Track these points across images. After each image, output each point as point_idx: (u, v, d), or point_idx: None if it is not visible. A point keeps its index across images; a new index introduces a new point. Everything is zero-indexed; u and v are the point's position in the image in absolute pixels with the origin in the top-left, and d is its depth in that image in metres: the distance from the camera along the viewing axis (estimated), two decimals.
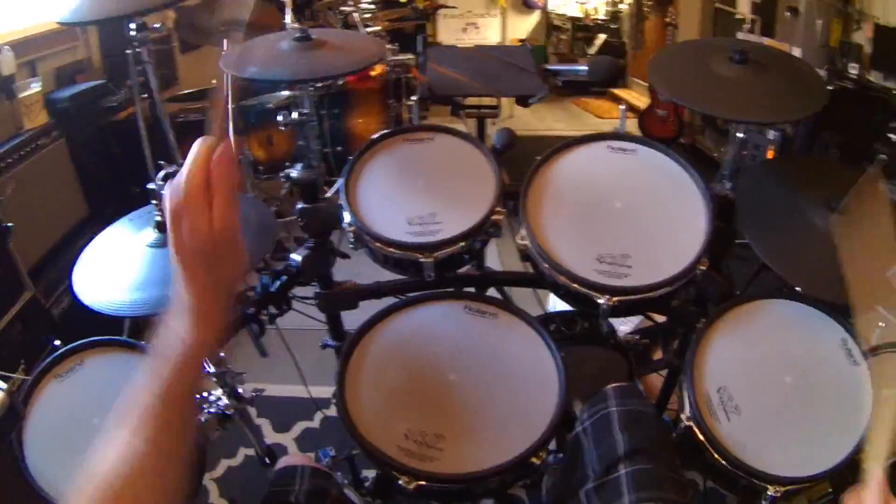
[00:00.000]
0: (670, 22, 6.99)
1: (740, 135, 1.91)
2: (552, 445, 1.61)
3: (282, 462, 1.74)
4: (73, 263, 1.59)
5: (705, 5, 6.49)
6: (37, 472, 1.39)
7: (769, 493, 1.44)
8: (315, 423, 3.35)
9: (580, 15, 9.20)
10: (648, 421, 1.53)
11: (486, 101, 2.96)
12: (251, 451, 2.88)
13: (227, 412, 1.72)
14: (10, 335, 3.06)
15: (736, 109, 1.78)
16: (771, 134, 4.59)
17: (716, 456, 1.47)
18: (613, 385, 1.62)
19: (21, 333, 3.06)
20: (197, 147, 0.98)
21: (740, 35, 5.65)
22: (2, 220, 3.19)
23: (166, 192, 0.96)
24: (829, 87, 4.20)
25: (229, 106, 1.35)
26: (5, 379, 1.53)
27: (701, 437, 1.49)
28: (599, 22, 9.09)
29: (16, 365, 1.48)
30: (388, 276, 2.07)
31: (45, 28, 4.49)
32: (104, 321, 1.53)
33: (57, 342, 1.59)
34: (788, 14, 5.16)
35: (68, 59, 4.78)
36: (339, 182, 1.95)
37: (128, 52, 2.20)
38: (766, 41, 5.26)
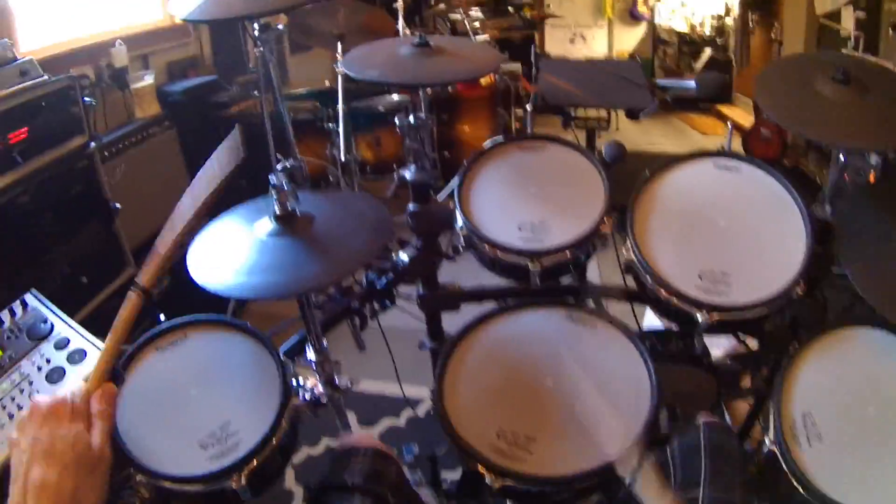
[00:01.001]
0: (775, 38, 6.88)
1: (842, 158, 1.92)
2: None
3: (346, 440, 1.74)
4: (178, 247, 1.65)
5: (810, 21, 6.37)
6: (126, 434, 1.42)
7: None
8: (401, 421, 3.38)
9: (686, 29, 9.10)
10: (734, 453, 1.55)
11: (597, 113, 2.99)
12: (333, 443, 2.93)
13: (320, 400, 1.74)
14: (109, 307, 3.21)
15: (839, 134, 1.78)
16: (873, 158, 4.50)
17: (794, 483, 1.45)
18: (706, 420, 1.64)
19: (119, 308, 3.16)
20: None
21: (844, 52, 5.53)
22: (110, 200, 3.34)
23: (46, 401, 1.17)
24: None
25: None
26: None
27: (782, 461, 1.48)
28: (705, 37, 8.98)
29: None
30: (489, 281, 2.12)
31: (157, 24, 4.68)
32: (200, 304, 1.61)
33: (161, 316, 1.65)
34: (892, 31, 5.06)
35: (180, 54, 5.01)
36: (453, 185, 2.01)
37: (257, 50, 2.28)
38: (871, 59, 5.17)
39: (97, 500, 1.09)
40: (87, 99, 3.25)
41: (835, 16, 5.85)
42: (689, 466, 1.51)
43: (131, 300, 1.45)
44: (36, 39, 3.80)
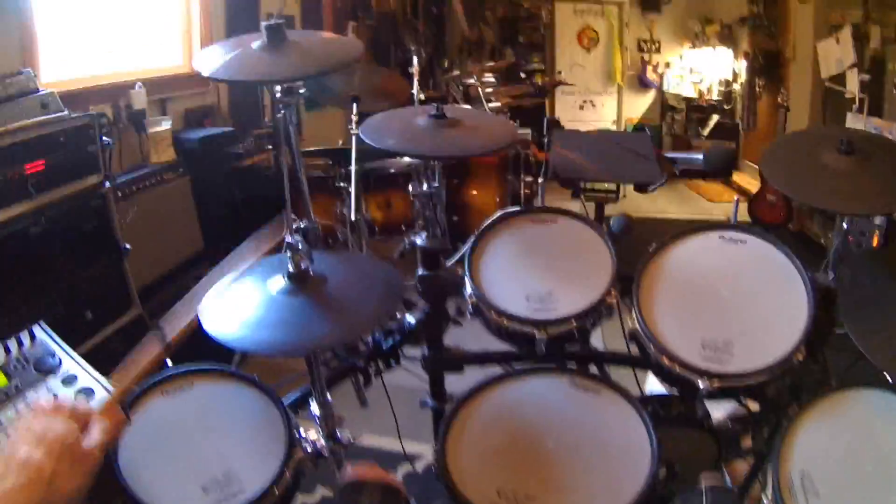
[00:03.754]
0: (782, 103, 6.96)
1: (845, 226, 1.97)
2: None
3: (348, 473, 1.66)
4: (184, 291, 1.67)
5: (816, 85, 6.44)
6: (127, 471, 1.45)
7: None
8: (398, 475, 3.33)
9: (694, 95, 9.20)
10: None
11: (606, 185, 3.04)
12: (329, 493, 2.95)
13: (322, 452, 1.75)
14: (112, 345, 3.21)
15: (842, 202, 1.84)
16: (877, 220, 4.55)
17: None
18: (709, 484, 1.62)
19: (121, 346, 3.17)
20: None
21: (850, 115, 5.61)
22: (120, 240, 3.37)
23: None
24: None
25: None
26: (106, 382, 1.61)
27: None
28: (713, 102, 9.07)
29: (110, 373, 1.57)
30: (492, 346, 2.15)
31: (177, 71, 4.75)
32: (207, 350, 1.62)
33: (168, 362, 1.67)
34: (895, 91, 5.14)
35: (197, 102, 5.08)
36: (463, 253, 2.06)
37: (279, 115, 2.33)
38: (875, 121, 5.23)
39: (73, 491, 1.11)
40: (104, 138, 3.30)
41: (840, 79, 5.94)
42: None
43: (153, 350, 1.49)
44: (57, 72, 3.86)
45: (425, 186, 2.09)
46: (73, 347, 1.68)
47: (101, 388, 1.56)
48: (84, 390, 1.55)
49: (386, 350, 2.40)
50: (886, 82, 5.36)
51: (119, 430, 1.29)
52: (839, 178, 1.84)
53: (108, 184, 3.33)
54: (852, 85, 5.71)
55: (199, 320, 1.51)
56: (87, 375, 1.59)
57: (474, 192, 4.38)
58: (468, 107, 5.06)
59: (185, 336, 1.54)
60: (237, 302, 1.59)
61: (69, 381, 1.57)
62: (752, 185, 7.26)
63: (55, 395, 1.53)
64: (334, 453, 1.80)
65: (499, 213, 2.16)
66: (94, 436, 1.20)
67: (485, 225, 2.13)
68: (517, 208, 2.20)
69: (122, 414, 1.33)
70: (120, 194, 3.70)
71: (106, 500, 1.44)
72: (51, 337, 1.69)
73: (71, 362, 1.63)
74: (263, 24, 2.05)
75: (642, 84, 9.55)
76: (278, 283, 1.58)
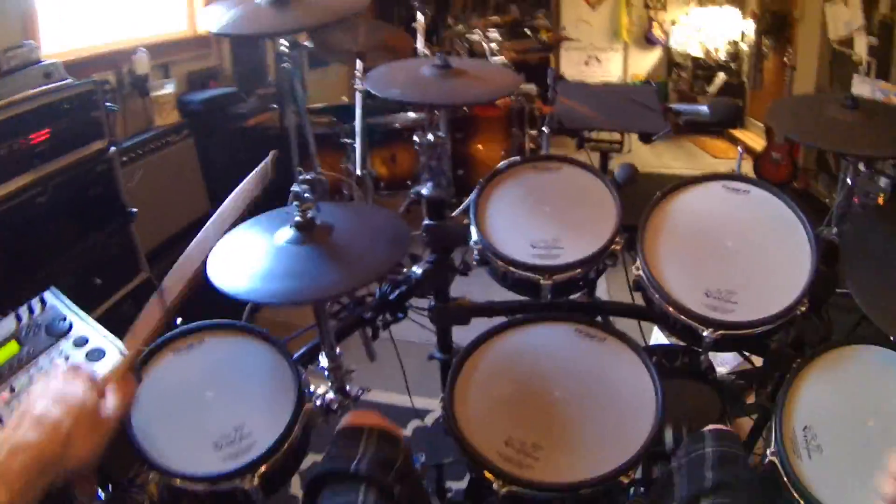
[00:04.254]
0: (789, 63, 6.93)
1: (849, 181, 1.97)
2: (638, 474, 1.66)
3: (347, 418, 1.68)
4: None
5: (823, 47, 6.40)
6: (139, 432, 1.47)
7: None
8: (408, 430, 3.44)
9: (701, 53, 9.14)
10: (738, 462, 1.55)
11: (610, 136, 3.05)
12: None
13: (332, 406, 1.77)
14: (122, 310, 3.27)
15: (845, 144, 1.86)
16: (882, 181, 4.53)
17: (794, 494, 1.48)
18: (711, 427, 1.65)
19: (132, 310, 3.19)
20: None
21: (856, 77, 5.58)
22: (127, 204, 3.39)
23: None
24: None
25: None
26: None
27: (782, 473, 1.50)
28: (720, 61, 9.02)
29: (122, 337, 1.58)
30: (499, 296, 2.17)
31: (179, 34, 4.74)
32: (216, 307, 1.61)
33: (178, 320, 1.69)
34: None
35: (201, 65, 5.08)
36: (469, 201, 2.07)
37: (283, 66, 2.33)
38: (882, 84, 5.20)
39: (87, 454, 1.13)
40: (108, 104, 3.30)
41: (847, 42, 5.90)
42: (695, 476, 1.51)
43: (155, 312, 1.50)
44: (60, 43, 3.85)
45: (430, 136, 2.09)
46: (86, 312, 1.70)
47: (113, 348, 1.59)
48: (96, 350, 1.58)
49: (393, 301, 2.41)
50: (895, 47, 5.32)
51: (132, 396, 1.31)
52: (844, 127, 1.86)
53: (112, 148, 3.33)
54: (860, 48, 5.67)
55: (205, 274, 1.52)
56: (99, 336, 1.62)
57: (479, 146, 4.38)
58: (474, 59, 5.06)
59: (193, 287, 1.54)
60: (244, 255, 1.59)
61: (80, 342, 1.60)
62: (758, 143, 7.23)
63: (67, 358, 1.56)
64: (344, 407, 1.82)
65: (504, 163, 2.16)
66: (111, 403, 1.22)
67: (490, 174, 2.14)
68: (520, 157, 2.20)
69: (133, 381, 1.35)
70: (125, 158, 3.72)
71: (121, 461, 1.47)
72: (61, 301, 1.72)
73: (82, 324, 1.65)
74: None
75: (648, 41, 9.50)
76: (285, 233, 1.59)
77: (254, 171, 1.80)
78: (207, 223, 1.71)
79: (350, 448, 1.55)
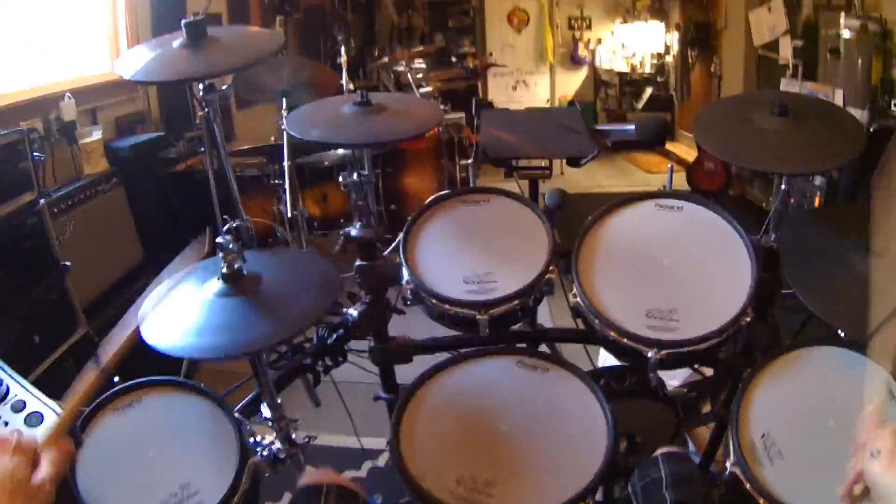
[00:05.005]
0: (715, 72, 7.03)
1: (783, 186, 1.96)
2: (600, 496, 1.65)
3: (305, 478, 1.69)
4: (128, 304, 1.65)
5: (749, 53, 6.53)
6: (87, 495, 1.43)
7: None
8: (362, 472, 3.35)
9: (627, 69, 9.26)
10: (694, 479, 1.55)
11: (539, 162, 3.03)
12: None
13: (279, 456, 1.75)
14: (62, 368, 3.14)
15: (776, 161, 1.84)
16: (818, 180, 4.59)
17: (760, 501, 1.47)
18: (662, 451, 1.63)
19: (72, 367, 3.15)
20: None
21: (784, 80, 5.68)
22: (59, 258, 3.30)
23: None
24: (872, 128, 4.20)
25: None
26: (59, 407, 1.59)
27: (745, 482, 1.49)
28: (646, 75, 9.14)
29: (63, 397, 1.55)
30: (440, 332, 2.13)
31: (105, 78, 4.66)
32: (155, 363, 1.57)
33: (116, 378, 1.65)
34: (829, 55, 5.20)
35: (128, 109, 5.00)
36: (398, 240, 2.03)
37: (201, 112, 2.29)
38: (809, 85, 5.30)
39: None
40: (36, 154, 3.22)
41: (772, 46, 6.01)
42: (655, 498, 1.50)
43: (91, 378, 1.45)
44: None
45: (355, 176, 2.06)
46: (25, 374, 1.63)
47: (50, 411, 1.52)
48: (33, 414, 1.51)
49: (332, 345, 2.37)
50: (820, 47, 5.42)
51: (67, 459, 1.26)
52: (774, 139, 1.85)
53: (42, 200, 3.24)
54: (786, 51, 5.78)
55: (139, 333, 1.49)
56: (36, 400, 1.56)
57: (410, 180, 4.37)
58: (397, 93, 5.06)
59: (128, 351, 1.51)
60: (176, 309, 1.57)
61: (18, 407, 1.53)
62: (690, 154, 7.32)
63: (6, 423, 1.49)
64: (291, 456, 1.79)
65: (431, 199, 2.13)
66: (45, 469, 1.18)
67: (417, 211, 2.11)
68: (448, 191, 2.18)
69: (70, 443, 1.31)
70: (55, 210, 3.61)
71: None
72: None
73: (18, 388, 1.58)
74: (183, 21, 2.03)
75: (574, 61, 9.61)
76: (214, 285, 1.57)
77: (188, 248, 1.77)
78: (144, 294, 1.67)
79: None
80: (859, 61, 4.73)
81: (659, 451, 1.63)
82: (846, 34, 4.90)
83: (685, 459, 1.61)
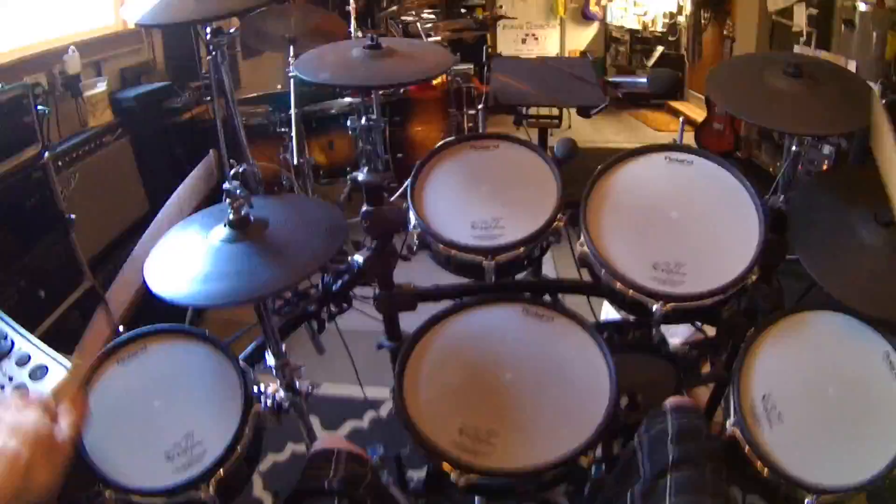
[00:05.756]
0: (728, 34, 6.96)
1: (794, 148, 1.93)
2: (598, 452, 1.64)
3: (317, 444, 1.71)
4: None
5: (762, 18, 6.44)
6: (92, 448, 1.45)
7: (807, 501, 1.44)
8: (364, 422, 3.36)
9: (639, 27, 9.18)
10: (701, 434, 1.54)
11: (549, 111, 3.01)
12: (299, 448, 2.91)
13: (283, 405, 1.76)
14: (68, 321, 3.14)
15: (790, 122, 1.81)
16: (826, 148, 4.56)
17: (757, 463, 1.48)
18: (672, 401, 1.62)
19: (78, 321, 3.14)
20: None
21: (797, 48, 5.59)
22: (64, 211, 3.28)
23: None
24: (883, 101, 4.13)
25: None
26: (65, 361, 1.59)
27: (744, 443, 1.51)
28: (658, 34, 9.05)
29: (71, 350, 1.55)
30: (445, 280, 2.13)
31: (109, 30, 4.62)
32: (162, 313, 1.60)
33: (120, 328, 1.65)
34: (844, 27, 5.14)
35: (133, 60, 4.92)
36: (406, 186, 2.02)
37: (209, 55, 2.26)
38: (822, 54, 5.22)
39: (48, 481, 1.10)
40: (40, 107, 3.19)
41: (787, 12, 5.92)
42: (658, 451, 1.50)
43: (102, 325, 1.45)
44: None
45: (364, 120, 2.04)
46: (32, 328, 1.65)
47: (56, 364, 1.54)
48: (38, 368, 1.54)
49: (337, 292, 2.36)
50: (835, 17, 5.33)
51: (85, 420, 1.26)
52: (787, 100, 1.81)
53: (46, 154, 3.22)
54: (800, 18, 5.69)
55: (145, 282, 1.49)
56: (41, 353, 1.58)
57: (418, 128, 4.36)
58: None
59: (135, 302, 1.52)
60: (181, 257, 1.57)
61: (22, 361, 1.56)
62: (699, 114, 7.26)
63: (10, 378, 1.52)
64: (295, 405, 1.82)
65: (440, 143, 2.11)
66: (63, 424, 1.19)
67: (426, 155, 2.09)
68: (457, 137, 2.15)
69: (87, 404, 1.30)
70: (60, 163, 3.58)
71: (75, 480, 1.43)
72: (2, 319, 1.66)
73: (24, 341, 1.61)
74: None
75: (585, 17, 9.53)
76: (220, 232, 1.57)
77: (194, 172, 1.76)
78: (150, 226, 1.67)
79: (322, 468, 1.58)
80: (874, 35, 4.66)
81: (668, 402, 1.62)
82: (862, 6, 4.83)
83: (694, 412, 1.60)
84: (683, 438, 1.50)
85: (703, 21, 8.02)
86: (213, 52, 2.28)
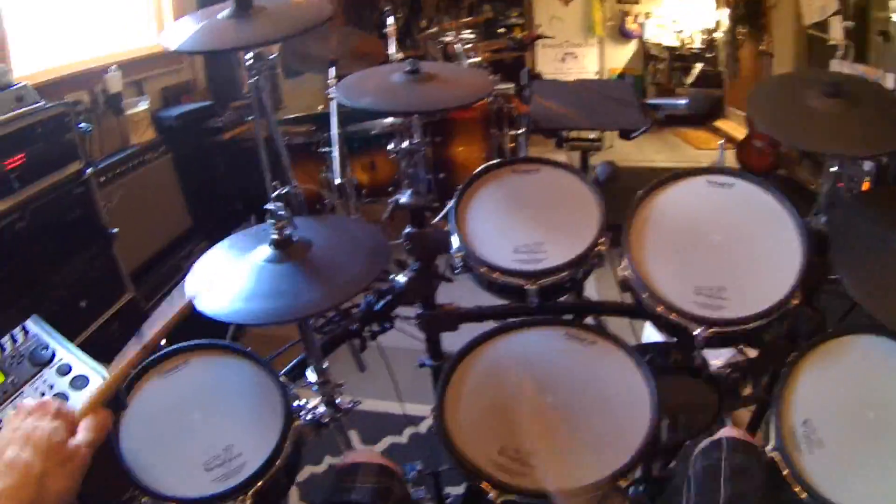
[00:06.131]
0: (765, 50, 6.92)
1: (834, 168, 1.93)
2: (638, 474, 1.64)
3: (348, 457, 1.72)
4: (175, 270, 1.66)
5: (798, 33, 6.41)
6: (130, 457, 1.47)
7: None
8: (403, 438, 3.38)
9: (676, 44, 9.15)
10: (756, 475, 1.51)
11: (589, 133, 3.02)
12: (336, 460, 2.93)
13: (323, 420, 1.77)
14: (107, 332, 3.21)
15: (829, 143, 1.81)
16: (867, 165, 4.51)
17: (797, 488, 1.45)
18: (729, 435, 1.60)
19: (117, 331, 3.23)
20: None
21: (834, 62, 5.56)
22: (107, 225, 3.35)
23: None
24: None
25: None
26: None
27: (784, 466, 1.48)
28: (695, 51, 9.02)
29: (110, 361, 1.57)
30: (487, 301, 2.14)
31: (151, 50, 4.70)
32: (200, 328, 1.60)
33: (162, 342, 1.68)
34: (880, 38, 5.11)
35: (174, 80, 5.03)
36: (448, 208, 2.04)
37: (250, 80, 2.30)
38: (860, 67, 5.19)
39: (63, 491, 1.12)
40: (82, 125, 3.25)
41: (822, 26, 5.89)
42: (709, 488, 1.48)
43: (133, 354, 1.47)
44: (31, 64, 3.80)
45: (405, 143, 2.07)
46: (72, 338, 1.68)
47: (95, 374, 1.56)
48: (79, 378, 1.56)
49: (379, 312, 2.39)
50: (870, 29, 5.30)
51: (106, 427, 1.27)
52: (825, 121, 1.81)
53: (89, 170, 3.28)
54: (836, 32, 5.66)
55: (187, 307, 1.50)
56: (81, 363, 1.60)
57: (459, 149, 4.36)
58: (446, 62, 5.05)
59: (174, 327, 1.54)
60: (224, 275, 1.58)
61: (64, 370, 1.58)
62: (739, 132, 7.23)
63: (51, 386, 1.54)
64: (335, 420, 1.82)
65: (482, 167, 2.13)
66: (81, 434, 1.21)
67: (468, 179, 2.11)
68: (498, 161, 2.17)
69: (109, 411, 1.32)
70: (102, 179, 3.68)
71: (112, 487, 1.44)
72: (44, 329, 1.69)
73: (64, 352, 1.63)
74: None
75: (623, 35, 9.49)
76: (263, 251, 1.59)
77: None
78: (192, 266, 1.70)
79: (350, 481, 1.59)
80: None
81: (725, 434, 1.60)
82: (895, 17, 4.81)
83: (750, 449, 1.57)
84: (737, 478, 1.48)
85: (739, 37, 7.99)
86: (255, 77, 2.31)
